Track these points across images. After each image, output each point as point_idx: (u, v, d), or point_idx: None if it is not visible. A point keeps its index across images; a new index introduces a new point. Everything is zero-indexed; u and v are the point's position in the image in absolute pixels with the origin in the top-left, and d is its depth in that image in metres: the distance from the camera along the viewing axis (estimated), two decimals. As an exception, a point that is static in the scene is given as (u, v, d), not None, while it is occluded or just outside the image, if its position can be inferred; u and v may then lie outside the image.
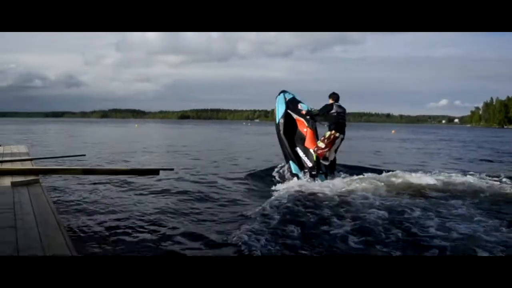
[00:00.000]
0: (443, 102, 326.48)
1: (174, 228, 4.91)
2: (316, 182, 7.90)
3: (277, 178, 8.56)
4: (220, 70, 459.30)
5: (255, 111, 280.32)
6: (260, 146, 17.61)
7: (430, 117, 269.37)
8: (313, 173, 8.26)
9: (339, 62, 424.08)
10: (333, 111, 8.33)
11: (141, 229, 4.83)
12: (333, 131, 8.21)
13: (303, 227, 4.80)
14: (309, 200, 6.36)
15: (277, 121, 9.05)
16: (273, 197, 6.46)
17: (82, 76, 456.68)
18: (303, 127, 8.68)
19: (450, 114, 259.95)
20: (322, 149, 8.17)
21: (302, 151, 8.55)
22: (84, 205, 6.08)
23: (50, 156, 9.12)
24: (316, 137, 8.55)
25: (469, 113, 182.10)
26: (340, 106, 8.48)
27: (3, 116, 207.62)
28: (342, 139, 8.39)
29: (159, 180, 7.98)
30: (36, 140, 20.98)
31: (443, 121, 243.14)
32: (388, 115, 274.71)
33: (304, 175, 8.23)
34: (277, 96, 9.36)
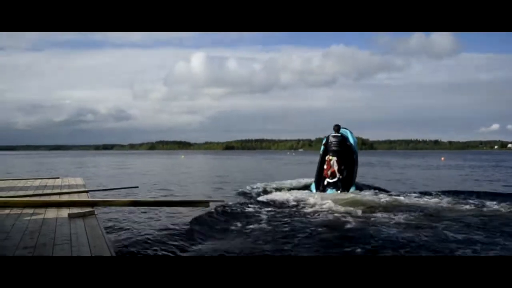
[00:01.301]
0: (495, 126, 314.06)
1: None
2: (311, 193, 10.59)
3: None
4: (263, 101, 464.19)
5: (299, 140, 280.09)
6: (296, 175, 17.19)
7: (481, 142, 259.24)
8: (320, 188, 10.91)
9: (383, 89, 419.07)
10: (329, 140, 11.03)
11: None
12: (328, 156, 10.76)
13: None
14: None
15: None
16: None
17: (131, 110, 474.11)
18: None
19: (503, 138, 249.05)
20: (325, 170, 10.79)
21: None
22: (136, 237, 6.12)
23: (105, 188, 9.35)
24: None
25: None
26: (335, 136, 10.98)
27: (58, 149, 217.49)
28: (337, 160, 10.63)
29: (208, 211, 7.95)
30: (90, 172, 21.71)
31: (496, 147, 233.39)
32: (436, 142, 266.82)
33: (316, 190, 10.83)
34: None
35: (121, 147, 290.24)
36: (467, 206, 8.75)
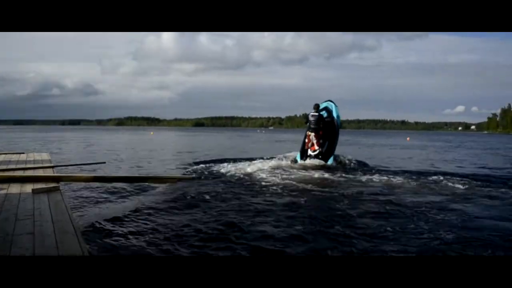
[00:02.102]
0: (460, 108, 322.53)
1: (185, 232, 4.85)
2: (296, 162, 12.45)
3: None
4: (235, 78, 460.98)
5: (269, 118, 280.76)
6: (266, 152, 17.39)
7: (446, 123, 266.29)
8: (304, 158, 12.46)
9: (355, 69, 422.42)
10: (309, 119, 12.55)
11: (156, 236, 4.75)
12: (308, 132, 12.50)
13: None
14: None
15: None
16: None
17: (98, 85, 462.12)
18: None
19: (467, 120, 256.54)
20: (306, 143, 12.56)
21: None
22: (103, 212, 6.04)
23: (71, 164, 9.16)
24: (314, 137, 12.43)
25: (486, 120, 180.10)
26: (313, 115, 12.45)
27: (20, 124, 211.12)
28: (315, 135, 12.31)
29: (178, 187, 7.92)
30: (55, 148, 21.21)
31: (460, 128, 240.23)
32: (403, 122, 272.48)
33: (300, 160, 12.43)
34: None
35: (88, 122, 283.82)
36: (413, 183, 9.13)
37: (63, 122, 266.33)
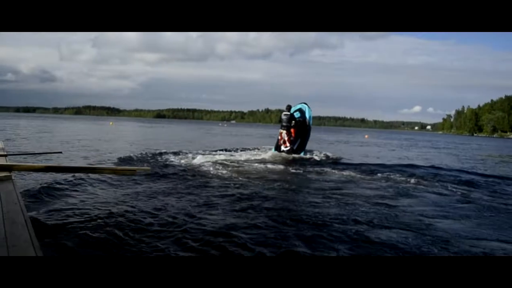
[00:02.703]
0: (416, 108, 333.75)
1: (143, 225, 4.88)
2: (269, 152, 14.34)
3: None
4: (198, 70, 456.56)
5: (231, 112, 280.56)
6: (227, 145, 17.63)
7: (403, 123, 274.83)
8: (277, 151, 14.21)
9: (317, 66, 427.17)
10: (281, 117, 14.09)
11: (111, 229, 4.74)
12: (280, 130, 14.11)
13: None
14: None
15: None
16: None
17: (56, 71, 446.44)
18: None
19: (423, 120, 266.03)
20: (279, 140, 14.18)
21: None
22: (57, 203, 5.97)
23: (25, 152, 8.92)
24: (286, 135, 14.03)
25: (441, 120, 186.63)
26: (285, 114, 13.94)
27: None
28: (286, 133, 13.88)
29: (134, 179, 7.90)
30: (9, 135, 20.48)
31: (416, 128, 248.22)
32: (362, 120, 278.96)
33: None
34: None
35: (44, 110, 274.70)
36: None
37: (17, 109, 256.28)
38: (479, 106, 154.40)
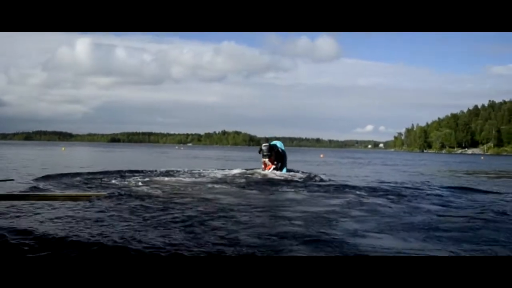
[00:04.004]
0: (369, 127, 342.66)
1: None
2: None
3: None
4: (153, 93, 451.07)
5: (188, 135, 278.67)
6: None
7: (357, 141, 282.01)
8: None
9: (271, 88, 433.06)
10: (262, 149, 17.18)
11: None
12: (263, 159, 17.19)
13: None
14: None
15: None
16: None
17: (4, 96, 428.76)
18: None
19: (376, 139, 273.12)
20: (264, 168, 17.08)
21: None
22: (10, 232, 5.85)
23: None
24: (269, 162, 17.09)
25: (392, 138, 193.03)
26: (265, 145, 17.06)
27: None
28: (269, 160, 16.90)
29: (91, 205, 7.83)
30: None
31: (369, 146, 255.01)
32: (318, 140, 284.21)
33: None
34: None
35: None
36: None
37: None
38: (427, 123, 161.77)
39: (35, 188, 10.48)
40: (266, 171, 16.80)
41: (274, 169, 17.09)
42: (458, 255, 4.61)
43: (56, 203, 7.66)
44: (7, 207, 7.35)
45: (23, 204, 7.46)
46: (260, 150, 17.34)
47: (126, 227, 6.24)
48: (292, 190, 11.59)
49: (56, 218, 6.80)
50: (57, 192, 8.74)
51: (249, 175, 15.81)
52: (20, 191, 9.05)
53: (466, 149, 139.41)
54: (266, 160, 17.06)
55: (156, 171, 17.15)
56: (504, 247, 5.34)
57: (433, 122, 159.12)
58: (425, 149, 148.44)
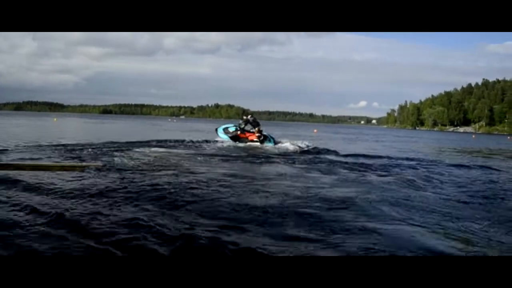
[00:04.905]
0: (362, 103, 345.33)
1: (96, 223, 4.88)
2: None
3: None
4: (146, 65, 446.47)
5: (181, 107, 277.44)
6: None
7: (350, 117, 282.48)
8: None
9: (266, 61, 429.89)
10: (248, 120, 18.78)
11: (58, 230, 4.68)
12: (247, 129, 18.80)
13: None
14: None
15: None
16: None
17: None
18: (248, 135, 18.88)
19: (369, 115, 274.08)
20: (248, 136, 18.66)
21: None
22: (4, 204, 5.80)
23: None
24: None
25: (385, 115, 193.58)
26: (252, 117, 18.96)
27: None
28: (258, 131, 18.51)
29: (85, 175, 7.77)
30: None
31: (362, 122, 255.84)
32: (311, 115, 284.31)
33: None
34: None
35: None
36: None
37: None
38: (420, 101, 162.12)
39: (29, 158, 10.41)
40: (258, 143, 18.14)
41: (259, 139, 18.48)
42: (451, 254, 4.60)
43: (51, 174, 7.60)
44: (1, 177, 7.29)
45: (19, 174, 7.40)
46: (247, 122, 18.65)
47: (120, 198, 6.21)
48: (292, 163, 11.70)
49: (52, 189, 6.75)
50: (52, 163, 8.66)
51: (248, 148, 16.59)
52: (14, 161, 8.97)
53: (458, 127, 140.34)
54: (255, 130, 18.54)
55: (149, 142, 17.13)
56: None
57: (427, 100, 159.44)
58: (418, 126, 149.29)
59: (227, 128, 19.60)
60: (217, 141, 18.74)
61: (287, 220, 5.23)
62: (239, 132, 18.86)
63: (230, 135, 18.90)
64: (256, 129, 18.69)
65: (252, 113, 19.71)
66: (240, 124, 19.18)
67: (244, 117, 19.33)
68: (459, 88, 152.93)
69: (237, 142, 18.23)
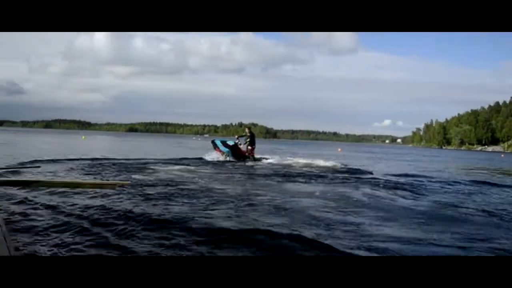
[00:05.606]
0: (386, 122, 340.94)
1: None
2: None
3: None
4: (171, 84, 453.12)
5: (205, 126, 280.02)
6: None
7: (374, 136, 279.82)
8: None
9: (288, 80, 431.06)
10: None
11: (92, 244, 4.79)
12: (243, 145, 19.19)
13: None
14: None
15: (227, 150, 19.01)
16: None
17: (25, 84, 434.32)
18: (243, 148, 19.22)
19: (393, 134, 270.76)
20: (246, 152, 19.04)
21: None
22: (38, 218, 5.93)
23: (2, 167, 8.77)
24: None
25: (410, 134, 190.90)
26: (249, 133, 19.40)
27: None
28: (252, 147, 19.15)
29: (117, 193, 7.90)
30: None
31: (387, 141, 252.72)
32: (335, 134, 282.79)
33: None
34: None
35: (12, 123, 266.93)
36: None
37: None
38: (446, 119, 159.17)
39: (61, 174, 10.66)
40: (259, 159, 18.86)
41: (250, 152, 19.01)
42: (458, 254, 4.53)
43: (82, 191, 7.75)
44: (32, 193, 7.47)
45: (52, 190, 7.58)
46: (248, 137, 19.07)
47: (148, 217, 6.27)
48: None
49: (84, 206, 6.88)
50: (83, 180, 8.84)
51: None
52: (47, 178, 9.20)
53: (486, 146, 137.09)
54: (248, 147, 18.98)
55: (175, 159, 17.32)
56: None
57: (453, 118, 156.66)
58: (444, 146, 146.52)
59: (225, 141, 19.57)
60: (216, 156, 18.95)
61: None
62: (241, 146, 19.06)
63: (230, 149, 18.77)
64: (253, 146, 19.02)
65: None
66: (246, 138, 19.23)
67: (247, 132, 19.45)
68: (486, 106, 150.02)
69: (241, 159, 18.41)
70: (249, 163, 17.70)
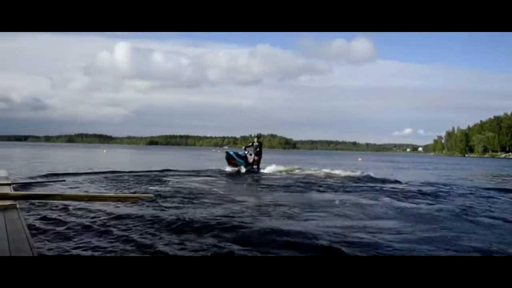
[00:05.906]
0: (407, 131, 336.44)
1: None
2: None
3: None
4: (190, 97, 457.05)
5: (224, 138, 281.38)
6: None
7: (395, 145, 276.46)
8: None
9: (306, 91, 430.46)
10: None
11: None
12: (251, 154, 19.29)
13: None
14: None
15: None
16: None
17: (48, 99, 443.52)
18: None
19: (414, 142, 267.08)
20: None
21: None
22: (63, 231, 5.96)
23: (29, 182, 8.90)
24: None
25: (432, 142, 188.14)
26: (257, 142, 19.34)
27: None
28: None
29: (139, 206, 7.90)
30: (5, 165, 20.31)
31: (408, 150, 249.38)
32: (354, 143, 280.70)
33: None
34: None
35: (35, 138, 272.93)
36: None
37: (9, 138, 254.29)
38: (468, 126, 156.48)
39: (84, 188, 10.75)
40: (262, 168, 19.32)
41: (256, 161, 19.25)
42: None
43: (105, 204, 7.78)
44: (58, 207, 7.54)
45: (76, 204, 7.63)
46: (257, 147, 19.12)
47: (172, 229, 6.24)
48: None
49: (102, 219, 6.92)
50: (107, 194, 8.88)
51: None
52: (70, 192, 9.28)
53: (510, 153, 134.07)
54: (255, 157, 19.13)
55: (195, 171, 17.38)
56: None
57: (475, 125, 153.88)
58: (467, 153, 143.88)
59: (237, 153, 19.60)
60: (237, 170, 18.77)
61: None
62: (250, 156, 19.18)
63: (243, 159, 18.95)
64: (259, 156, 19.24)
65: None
66: (256, 148, 19.28)
67: (256, 141, 19.42)
68: (509, 112, 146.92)
69: (255, 168, 18.79)
70: (263, 173, 18.31)
